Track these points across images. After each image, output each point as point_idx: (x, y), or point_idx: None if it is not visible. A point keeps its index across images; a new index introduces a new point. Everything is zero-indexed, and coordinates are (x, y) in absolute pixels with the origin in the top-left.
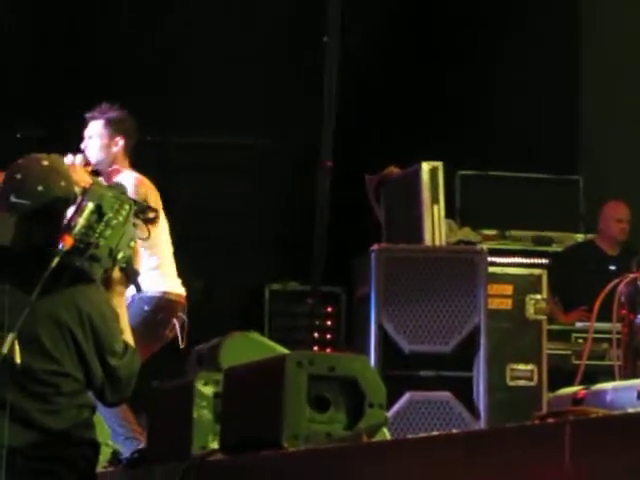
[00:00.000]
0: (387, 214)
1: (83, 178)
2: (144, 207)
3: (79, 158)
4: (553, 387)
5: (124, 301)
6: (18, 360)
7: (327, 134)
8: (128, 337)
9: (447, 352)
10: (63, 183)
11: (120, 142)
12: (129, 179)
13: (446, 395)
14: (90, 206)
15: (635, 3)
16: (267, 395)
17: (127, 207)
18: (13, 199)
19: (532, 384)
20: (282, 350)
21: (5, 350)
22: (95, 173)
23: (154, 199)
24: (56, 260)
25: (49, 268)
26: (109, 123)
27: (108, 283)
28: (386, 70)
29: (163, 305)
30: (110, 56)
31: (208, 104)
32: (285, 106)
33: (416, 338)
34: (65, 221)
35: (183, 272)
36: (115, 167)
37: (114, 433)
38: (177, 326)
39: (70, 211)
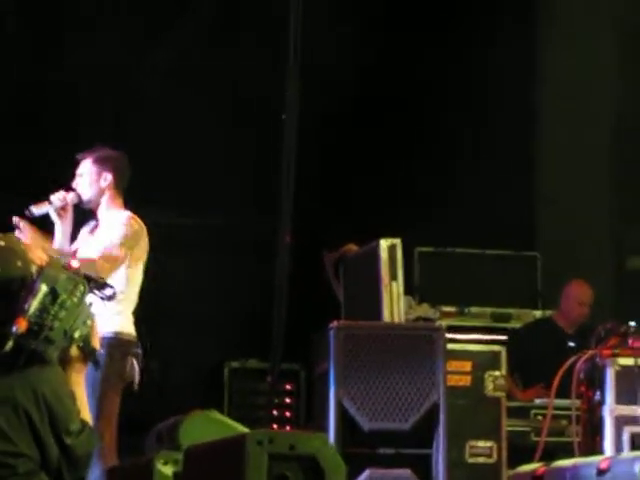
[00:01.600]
0: (346, 291)
1: (40, 256)
2: (101, 284)
3: (71, 196)
4: (513, 464)
5: (82, 378)
6: None
7: (286, 211)
8: (85, 415)
9: (406, 429)
10: (19, 263)
11: (109, 177)
12: (120, 217)
13: (406, 472)
14: (44, 289)
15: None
16: (228, 474)
17: (82, 288)
18: None
19: (492, 461)
20: (242, 429)
21: None
22: (91, 212)
23: (144, 238)
24: (10, 343)
25: (3, 351)
26: (97, 160)
27: (66, 362)
28: (345, 147)
29: (116, 344)
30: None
31: (164, 182)
32: (241, 183)
33: (375, 415)
34: (20, 303)
35: (143, 352)
36: (104, 204)
37: None
38: (135, 364)
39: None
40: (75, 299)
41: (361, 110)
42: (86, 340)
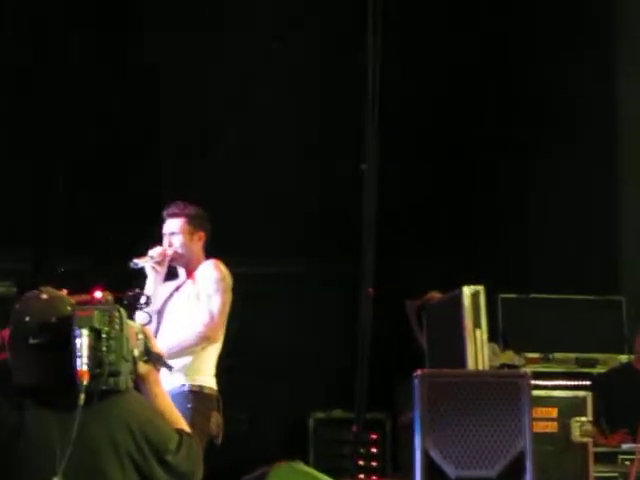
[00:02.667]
0: (429, 339)
1: None
2: (132, 296)
3: (170, 252)
4: None
5: (161, 386)
6: None
7: (368, 262)
8: (178, 422)
9: (493, 477)
10: (69, 308)
11: (202, 236)
12: (208, 264)
13: None
14: (85, 332)
15: None
16: None
17: (116, 313)
18: (32, 340)
19: None
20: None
21: None
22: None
23: (228, 280)
24: (82, 396)
25: (78, 407)
26: (191, 219)
27: (140, 381)
28: (425, 194)
29: (201, 399)
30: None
31: (248, 234)
32: (322, 232)
33: (462, 463)
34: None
35: (228, 404)
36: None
37: None
38: (219, 419)
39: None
40: (117, 326)
41: (440, 156)
42: (147, 351)
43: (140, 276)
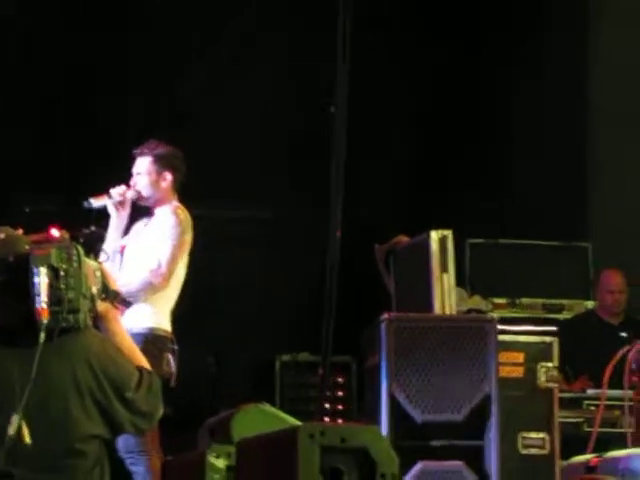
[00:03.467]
0: (396, 283)
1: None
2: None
3: (131, 193)
4: (566, 455)
5: (120, 323)
6: (27, 440)
7: (335, 203)
8: (137, 359)
9: (459, 421)
10: (26, 246)
11: (168, 177)
12: (166, 209)
13: (458, 464)
14: (43, 270)
15: None
16: (280, 467)
17: (74, 251)
18: None
19: (544, 452)
20: (294, 422)
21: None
22: (146, 209)
23: (189, 231)
24: (43, 335)
25: (38, 345)
26: (157, 159)
27: (99, 318)
28: (394, 140)
29: (151, 340)
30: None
31: (213, 175)
32: (290, 176)
33: (427, 407)
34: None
35: (195, 347)
36: (161, 202)
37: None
38: (172, 360)
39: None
40: (75, 264)
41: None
42: (105, 289)
43: (106, 215)
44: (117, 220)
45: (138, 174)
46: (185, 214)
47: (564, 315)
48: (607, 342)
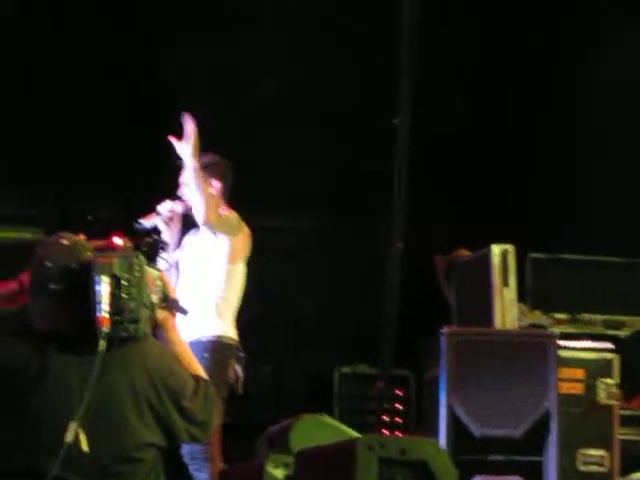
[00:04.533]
0: (457, 296)
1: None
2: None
3: (179, 207)
4: (625, 473)
5: (177, 332)
6: (85, 448)
7: (398, 216)
8: (194, 368)
9: (518, 436)
10: (89, 254)
11: (216, 185)
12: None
13: (516, 479)
14: (105, 279)
15: None
16: (338, 478)
17: (136, 260)
18: (52, 286)
19: (604, 470)
20: (352, 433)
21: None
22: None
23: (244, 236)
24: (103, 343)
25: (98, 353)
26: (203, 167)
27: (158, 327)
28: (457, 151)
29: (218, 348)
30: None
31: (273, 188)
32: (353, 188)
33: (486, 422)
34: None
35: (252, 357)
36: None
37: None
38: (238, 368)
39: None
40: (137, 273)
41: (477, 119)
42: (165, 297)
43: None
44: (169, 235)
45: (186, 185)
46: (234, 215)
47: (624, 332)
48: None
